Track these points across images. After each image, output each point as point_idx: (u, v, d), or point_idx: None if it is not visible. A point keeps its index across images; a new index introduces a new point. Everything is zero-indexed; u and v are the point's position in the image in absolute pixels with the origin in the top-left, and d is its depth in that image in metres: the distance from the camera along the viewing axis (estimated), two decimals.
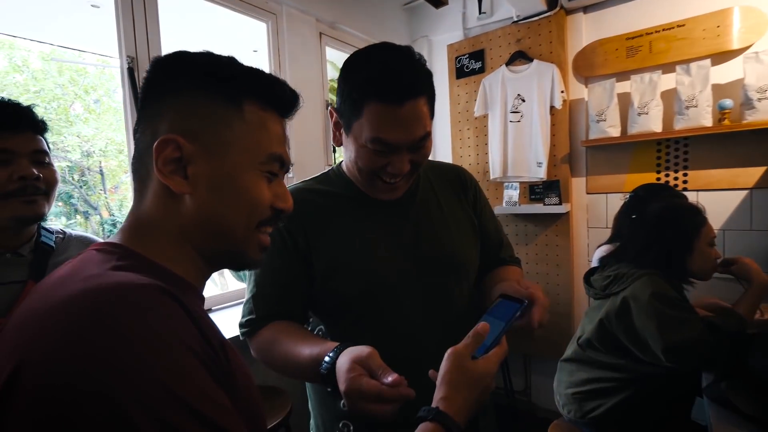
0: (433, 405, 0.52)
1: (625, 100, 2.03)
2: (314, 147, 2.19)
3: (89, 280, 0.36)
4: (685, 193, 1.94)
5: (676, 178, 2.00)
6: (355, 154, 0.72)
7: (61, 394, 0.30)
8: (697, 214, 1.18)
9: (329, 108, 0.77)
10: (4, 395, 0.31)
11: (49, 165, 0.90)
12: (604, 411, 1.22)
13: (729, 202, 1.88)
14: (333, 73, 2.92)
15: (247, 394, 0.44)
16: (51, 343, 0.32)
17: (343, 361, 0.59)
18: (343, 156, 0.82)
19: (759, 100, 1.69)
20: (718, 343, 1.02)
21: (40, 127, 0.90)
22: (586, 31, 2.18)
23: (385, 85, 0.65)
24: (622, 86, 2.05)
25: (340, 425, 0.78)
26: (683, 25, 1.90)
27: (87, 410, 0.30)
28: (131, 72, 1.50)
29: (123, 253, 0.43)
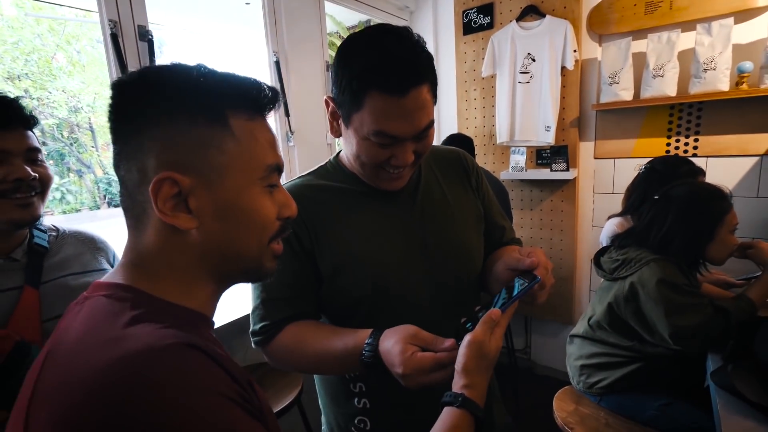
0: (457, 391, 0.54)
1: (639, 61, 1.95)
2: (315, 112, 2.11)
3: (111, 346, 0.35)
4: (695, 159, 1.92)
5: (686, 144, 1.96)
6: (356, 147, 0.69)
7: None
8: (723, 199, 1.16)
9: (325, 97, 0.72)
10: None
11: (42, 162, 0.86)
12: (610, 382, 1.28)
13: (738, 169, 1.86)
14: (331, 27, 2.76)
15: (274, 424, 0.45)
16: (89, 419, 0.31)
17: (392, 344, 0.60)
18: (342, 145, 0.79)
19: None
20: (726, 327, 1.05)
21: (31, 122, 0.84)
22: None
23: (387, 74, 0.61)
24: (638, 45, 1.96)
25: (356, 421, 0.79)
26: None
27: None
28: (114, 38, 1.40)
29: (135, 298, 0.42)
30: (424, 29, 2.64)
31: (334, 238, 0.74)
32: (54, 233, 0.96)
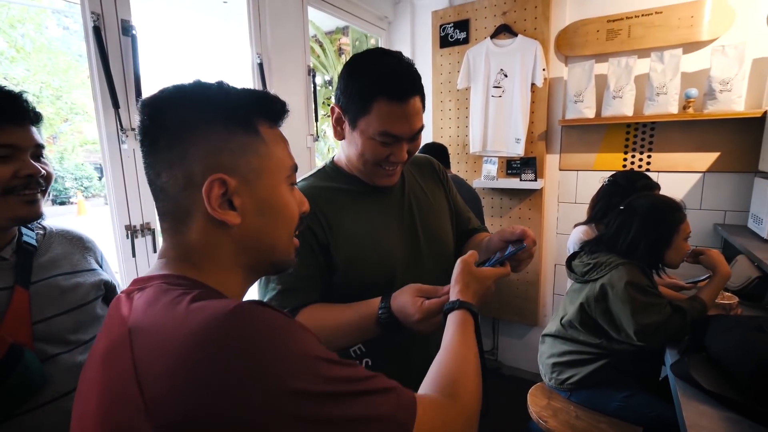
0: (453, 299, 0.66)
1: (601, 82, 2.12)
2: (297, 115, 2.12)
3: (201, 310, 0.39)
4: (648, 173, 2.11)
5: (641, 160, 2.16)
6: (361, 147, 0.81)
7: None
8: (679, 210, 1.31)
9: (331, 105, 0.86)
10: None
11: (44, 159, 0.84)
12: (580, 378, 1.39)
13: (685, 184, 2.07)
14: (310, 31, 2.77)
15: None
16: (201, 370, 0.36)
17: (403, 301, 0.73)
18: (340, 149, 0.92)
19: (721, 91, 1.83)
20: (683, 324, 1.18)
21: (39, 118, 0.83)
22: (569, 9, 2.21)
23: (391, 85, 0.76)
24: (600, 68, 2.13)
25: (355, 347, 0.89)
26: (661, 12, 1.98)
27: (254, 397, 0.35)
28: (97, 31, 1.35)
29: (189, 284, 0.47)
30: (401, 40, 2.72)
31: (346, 232, 0.85)
32: (41, 231, 0.92)
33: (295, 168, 0.56)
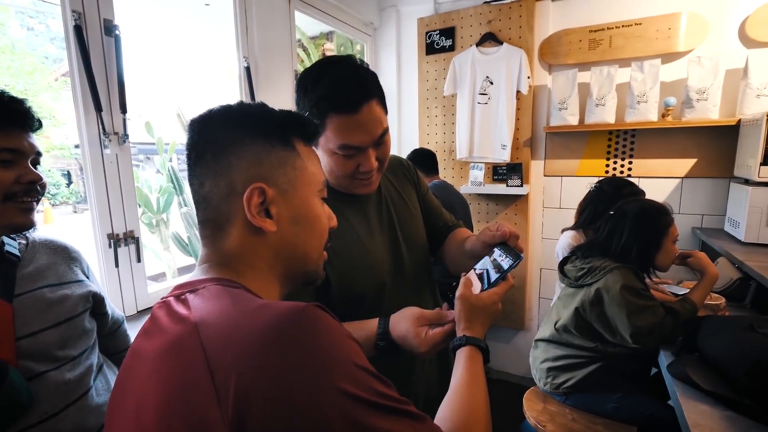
0: (459, 335, 0.66)
1: (584, 90, 2.18)
2: None
3: (267, 308, 0.42)
4: (630, 179, 2.18)
5: (622, 166, 2.22)
6: (327, 162, 0.81)
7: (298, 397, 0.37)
8: (667, 214, 1.35)
9: None
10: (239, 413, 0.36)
11: (39, 167, 0.80)
12: (575, 382, 1.41)
13: (664, 189, 2.15)
14: (297, 36, 2.74)
15: None
16: (271, 362, 0.38)
17: (404, 330, 0.71)
18: None
19: (698, 100, 1.91)
20: (675, 326, 1.21)
21: (39, 125, 0.80)
22: (553, 19, 2.26)
23: (339, 98, 0.74)
24: (583, 76, 2.19)
25: None
26: (640, 24, 2.06)
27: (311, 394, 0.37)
28: (78, 30, 1.29)
29: (242, 287, 0.49)
30: (387, 46, 2.73)
31: (337, 242, 0.83)
32: (23, 241, 0.86)
33: (327, 184, 0.59)
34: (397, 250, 0.92)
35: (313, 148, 0.79)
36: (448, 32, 2.47)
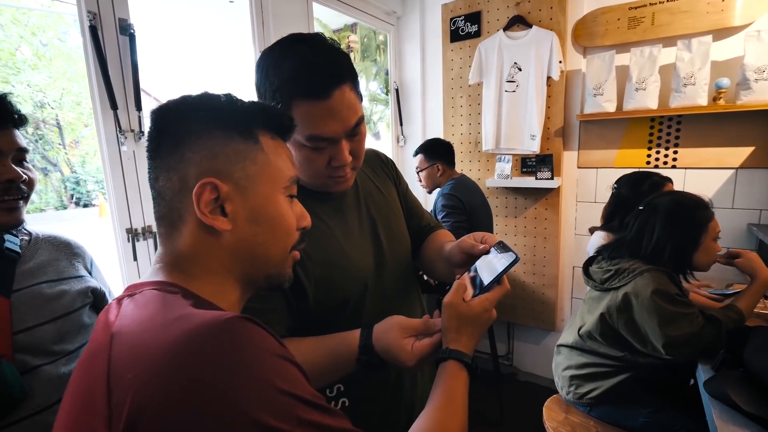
0: (444, 347, 0.61)
1: (623, 74, 2.00)
2: None
3: (185, 320, 0.38)
4: (673, 170, 1.98)
5: (666, 155, 2.02)
6: (295, 158, 0.70)
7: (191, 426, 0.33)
8: (705, 208, 1.19)
9: None
10: None
11: (28, 164, 0.80)
12: (600, 393, 1.29)
13: (714, 181, 1.93)
14: (317, 29, 2.72)
15: None
16: (171, 384, 0.34)
17: (388, 342, 0.64)
18: None
19: (756, 80, 1.69)
20: (716, 337, 1.07)
21: (22, 120, 0.79)
22: None
23: (307, 81, 0.64)
24: (621, 59, 2.01)
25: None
26: None
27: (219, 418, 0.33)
28: (93, 30, 1.32)
29: (183, 292, 0.45)
30: (410, 35, 2.64)
31: (313, 247, 0.75)
32: (26, 237, 0.89)
33: (296, 180, 0.55)
34: (378, 251, 0.84)
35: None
36: (474, 17, 2.34)
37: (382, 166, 0.95)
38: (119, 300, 0.46)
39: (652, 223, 1.20)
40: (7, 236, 0.84)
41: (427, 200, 2.62)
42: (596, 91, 2.02)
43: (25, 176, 0.77)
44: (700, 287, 1.45)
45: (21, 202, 0.78)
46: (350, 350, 0.67)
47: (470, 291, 0.66)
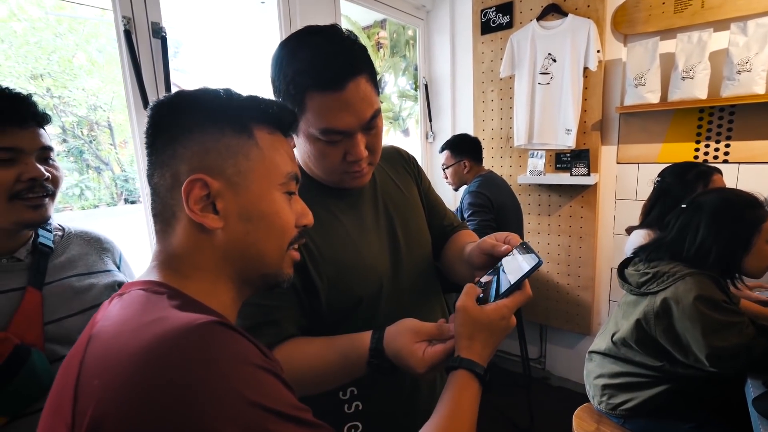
0: (456, 355, 0.57)
1: (667, 62, 1.86)
2: None
3: (155, 324, 0.37)
4: (725, 165, 1.82)
5: (717, 149, 1.86)
6: (310, 152, 0.69)
7: None
8: (759, 207, 1.08)
9: None
10: None
11: (54, 162, 0.83)
12: (636, 404, 1.20)
13: None
14: (345, 26, 2.72)
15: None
16: (133, 396, 0.32)
17: (399, 347, 0.61)
18: (298, 156, 0.79)
19: None
20: None
21: (44, 119, 0.81)
22: None
23: (321, 72, 0.62)
24: (666, 45, 1.87)
25: (346, 428, 0.76)
26: None
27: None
28: (128, 34, 1.38)
29: (170, 293, 0.44)
30: (440, 29, 2.59)
31: (326, 246, 0.74)
32: (59, 233, 0.93)
33: (294, 176, 0.52)
34: (395, 251, 0.81)
35: (294, 136, 0.71)
36: (506, 8, 2.26)
37: (403, 163, 0.93)
38: (111, 299, 0.46)
39: (696, 223, 1.10)
40: (41, 232, 0.89)
41: (455, 198, 2.56)
42: (637, 82, 1.89)
43: (48, 174, 0.78)
44: (753, 288, 1.32)
45: (46, 199, 0.80)
46: (360, 353, 0.65)
47: (489, 294, 0.62)
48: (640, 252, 1.25)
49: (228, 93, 0.49)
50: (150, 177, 0.48)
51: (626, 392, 1.22)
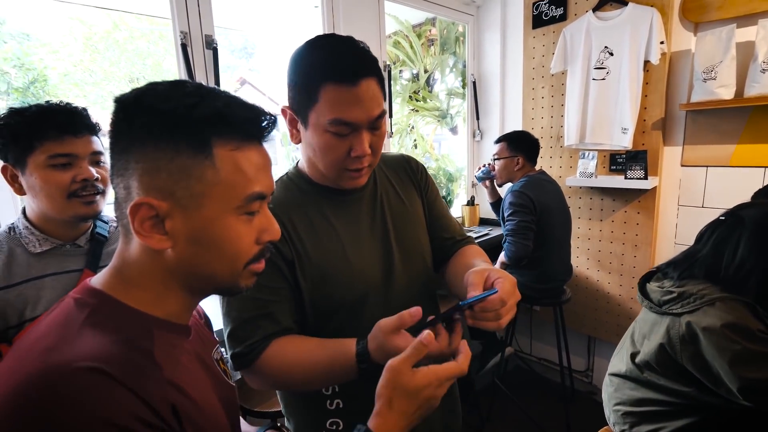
0: (370, 420, 0.52)
1: (745, 53, 1.64)
2: None
3: (37, 359, 0.39)
4: None
5: None
6: (317, 143, 0.72)
7: None
8: None
9: (282, 107, 0.77)
10: None
11: (104, 164, 0.97)
12: None
13: None
14: (394, 26, 2.73)
15: None
16: None
17: (381, 344, 0.62)
18: (301, 152, 0.83)
19: None
20: None
21: (95, 129, 0.95)
22: None
23: (338, 66, 0.67)
24: (744, 34, 1.65)
25: (328, 424, 0.80)
26: None
27: None
28: (184, 48, 1.53)
29: (98, 304, 0.45)
30: (491, 24, 2.51)
31: (315, 248, 0.77)
32: (114, 224, 1.09)
33: (257, 197, 0.48)
34: (388, 260, 0.82)
35: (301, 127, 0.74)
36: None
37: (409, 172, 0.93)
38: (61, 300, 0.48)
39: (735, 239, 0.96)
40: (98, 223, 1.05)
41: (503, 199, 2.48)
42: (707, 75, 1.69)
43: (98, 175, 0.93)
44: None
45: (98, 196, 0.95)
46: (347, 360, 0.66)
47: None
48: (668, 267, 1.12)
49: (193, 101, 0.43)
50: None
51: (652, 422, 1.11)
